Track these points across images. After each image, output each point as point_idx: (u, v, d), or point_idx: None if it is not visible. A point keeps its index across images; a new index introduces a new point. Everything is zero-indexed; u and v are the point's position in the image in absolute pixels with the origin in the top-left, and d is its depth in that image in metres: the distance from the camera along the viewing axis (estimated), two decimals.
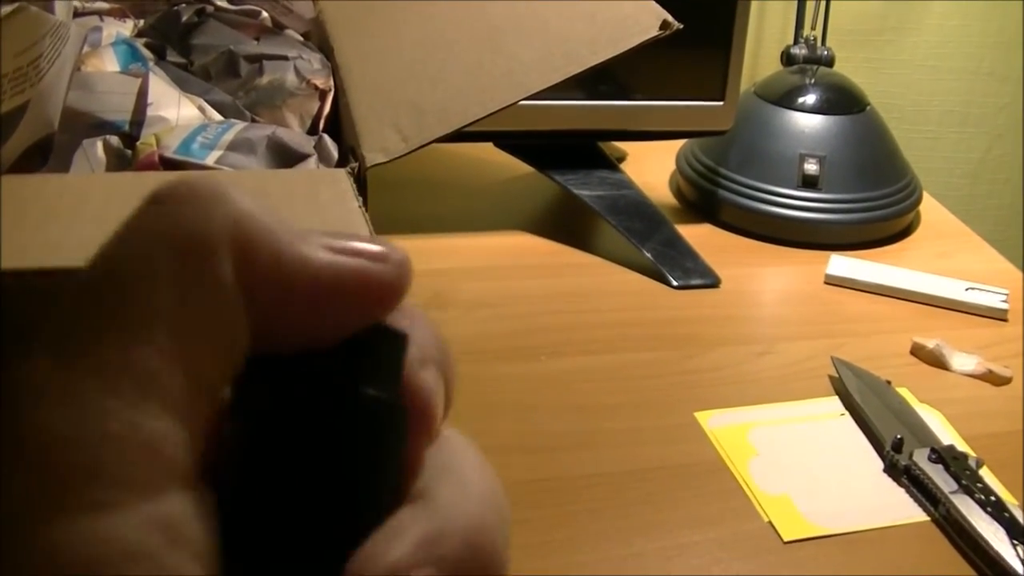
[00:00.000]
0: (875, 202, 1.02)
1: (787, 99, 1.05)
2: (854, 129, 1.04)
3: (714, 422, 0.78)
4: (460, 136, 1.00)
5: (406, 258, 0.25)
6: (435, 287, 0.93)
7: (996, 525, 0.67)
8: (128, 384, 0.21)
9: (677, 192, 1.11)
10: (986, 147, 1.46)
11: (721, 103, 1.01)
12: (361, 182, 0.55)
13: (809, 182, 1.01)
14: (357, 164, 0.57)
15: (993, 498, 0.69)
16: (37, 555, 0.20)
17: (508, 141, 1.03)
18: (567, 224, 1.04)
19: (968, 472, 0.71)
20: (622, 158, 1.16)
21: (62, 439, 0.21)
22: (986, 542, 0.66)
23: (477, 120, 0.60)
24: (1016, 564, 0.65)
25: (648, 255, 0.95)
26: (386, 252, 0.25)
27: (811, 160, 1.01)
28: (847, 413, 0.80)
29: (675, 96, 1.01)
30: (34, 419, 0.21)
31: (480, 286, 0.94)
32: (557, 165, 1.02)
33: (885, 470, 0.75)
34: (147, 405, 0.21)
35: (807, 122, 1.04)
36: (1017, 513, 0.68)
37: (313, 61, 0.71)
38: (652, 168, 1.14)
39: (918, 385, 0.83)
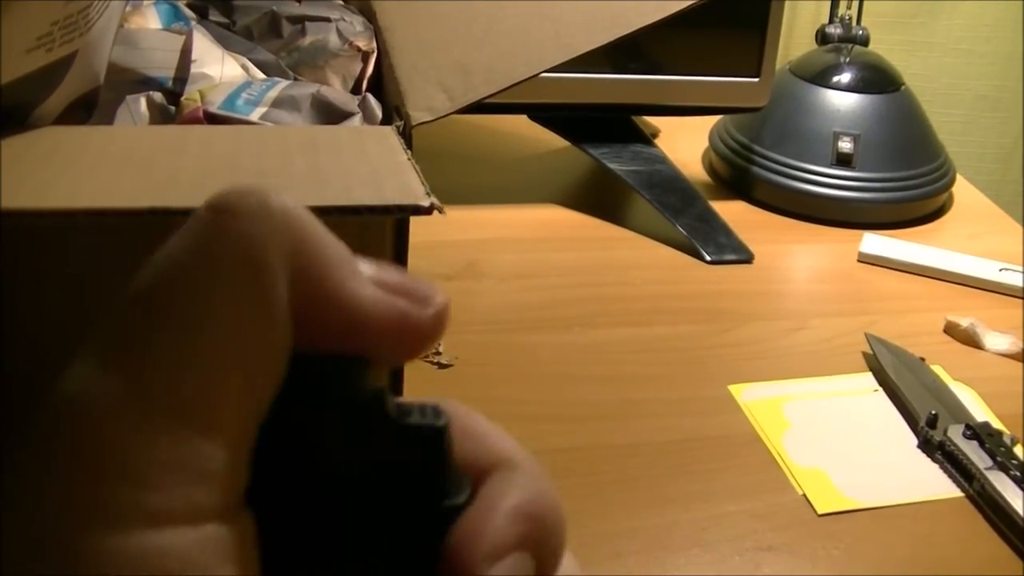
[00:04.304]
0: (909, 181, 1.02)
1: (822, 77, 1.05)
2: (889, 108, 1.04)
3: (748, 395, 0.78)
4: (496, 108, 1.01)
5: (447, 305, 0.26)
6: (470, 257, 0.92)
7: None
8: (184, 405, 0.22)
9: (710, 169, 1.11)
10: (1019, 132, 1.45)
11: (757, 79, 1.01)
12: (407, 140, 0.55)
13: (843, 160, 1.01)
14: (402, 122, 0.57)
15: None
16: (94, 562, 0.21)
17: (543, 114, 1.03)
18: (601, 198, 1.04)
19: (1003, 449, 0.71)
20: (655, 134, 1.16)
21: (120, 457, 0.21)
22: (1020, 517, 0.66)
23: (524, 80, 0.59)
24: None
25: (682, 230, 0.95)
26: (430, 296, 0.26)
27: (845, 138, 1.01)
28: (880, 389, 0.80)
29: (711, 72, 1.01)
30: (92, 432, 0.21)
31: (514, 257, 0.94)
32: (591, 139, 1.02)
33: (919, 446, 0.75)
34: (203, 428, 0.22)
35: (842, 100, 1.03)
36: None
37: (355, 23, 0.71)
38: (685, 145, 1.13)
39: (952, 363, 0.83)
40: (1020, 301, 0.93)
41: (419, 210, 0.45)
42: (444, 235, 0.96)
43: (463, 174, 1.08)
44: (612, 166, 1.00)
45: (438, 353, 0.77)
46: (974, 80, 1.42)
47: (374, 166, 0.49)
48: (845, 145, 1.00)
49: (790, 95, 1.05)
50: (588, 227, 0.99)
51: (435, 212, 0.45)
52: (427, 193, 0.46)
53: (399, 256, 0.52)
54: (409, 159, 0.50)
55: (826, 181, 1.01)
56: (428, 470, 0.24)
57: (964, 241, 1.01)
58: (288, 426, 0.23)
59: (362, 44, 0.70)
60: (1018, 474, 0.69)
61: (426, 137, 1.11)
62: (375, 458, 0.24)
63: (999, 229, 1.06)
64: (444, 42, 0.64)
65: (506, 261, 0.92)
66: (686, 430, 0.74)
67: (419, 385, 0.74)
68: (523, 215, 1.00)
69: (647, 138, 1.04)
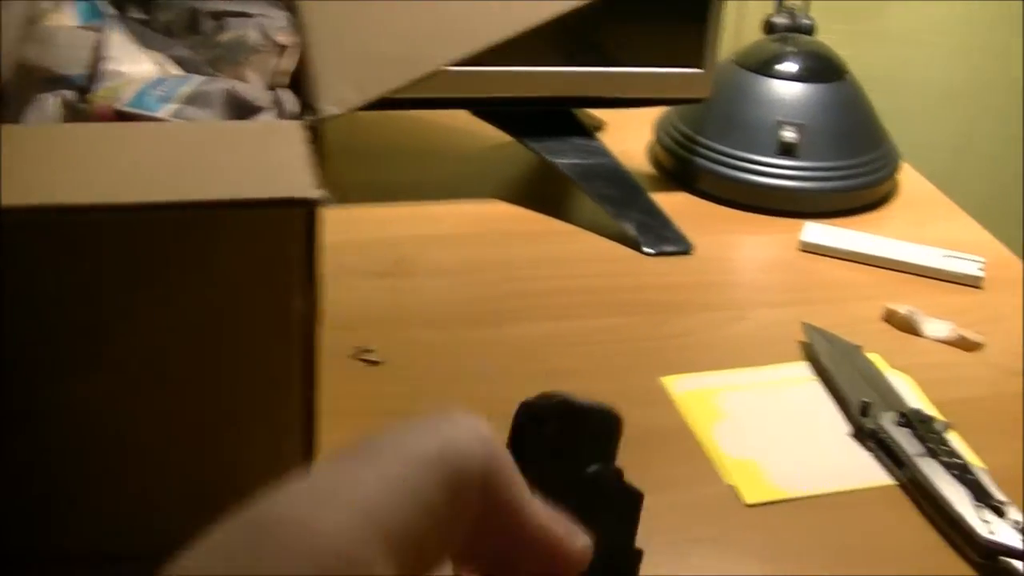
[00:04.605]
0: (853, 170, 1.01)
1: (766, 67, 1.04)
2: (832, 97, 1.04)
3: (681, 386, 0.77)
4: (438, 102, 1.00)
5: (588, 547, 0.32)
6: (400, 253, 0.92)
7: (960, 488, 0.67)
8: None
9: (655, 161, 1.10)
10: (971, 122, 1.45)
11: (700, 70, 1.00)
12: (317, 135, 0.55)
13: (787, 150, 1.00)
14: (313, 117, 0.56)
15: (958, 461, 0.69)
16: None
17: (484, 108, 1.02)
18: (542, 192, 1.03)
19: (934, 436, 0.71)
20: (600, 127, 1.16)
21: None
22: (949, 505, 0.66)
23: (435, 71, 0.59)
24: (979, 526, 0.64)
25: (621, 222, 0.95)
26: (578, 534, 0.32)
27: (789, 127, 1.00)
28: (816, 378, 0.80)
29: (653, 63, 1.00)
30: None
31: (449, 253, 0.93)
32: (533, 133, 1.02)
33: (852, 434, 0.74)
34: None
35: (786, 90, 1.03)
36: (982, 476, 0.68)
37: (277, 18, 0.71)
38: (631, 137, 1.13)
39: (890, 351, 0.83)
40: (963, 288, 0.92)
41: (305, 203, 0.45)
42: (379, 232, 0.95)
43: (401, 170, 1.08)
44: (553, 160, 0.99)
45: (369, 351, 0.77)
46: (925, 69, 1.41)
47: (272, 161, 0.49)
48: (788, 134, 1.00)
49: (734, 85, 1.05)
50: (528, 221, 0.99)
51: (322, 206, 0.45)
52: (316, 187, 0.45)
53: (309, 252, 0.52)
54: (310, 154, 0.49)
55: (769, 171, 1.00)
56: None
57: (909, 229, 1.01)
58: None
59: (282, 39, 0.69)
60: (948, 460, 0.69)
61: (364, 132, 1.11)
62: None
63: (945, 217, 1.06)
64: (359, 35, 0.63)
65: (440, 257, 0.92)
66: None
67: (349, 384, 0.73)
68: (462, 210, 1.00)
69: (588, 131, 1.03)
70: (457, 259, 0.92)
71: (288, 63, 0.69)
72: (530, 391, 0.74)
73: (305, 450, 0.55)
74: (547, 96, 1.00)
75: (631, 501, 0.37)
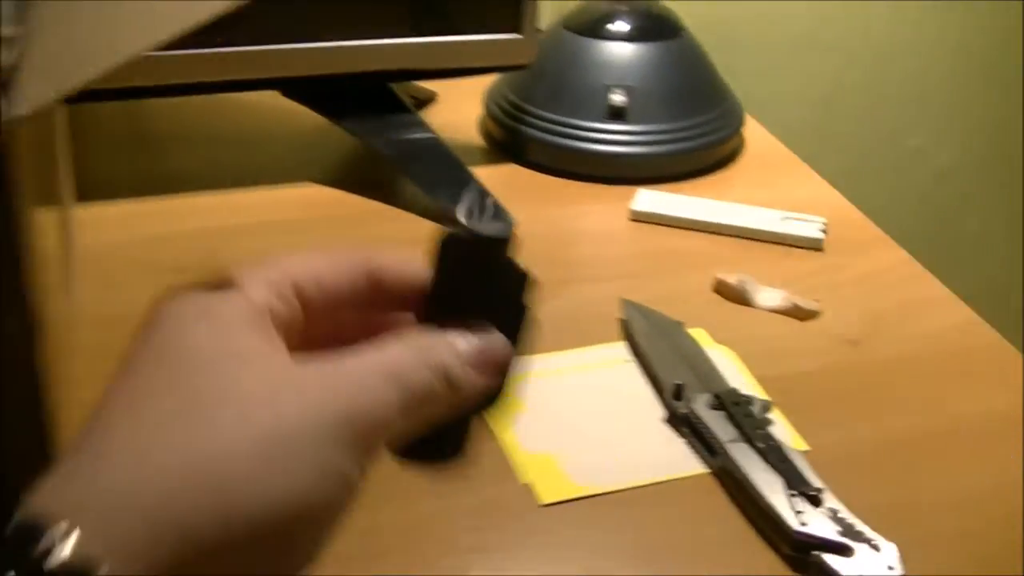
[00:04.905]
0: (688, 132, 0.95)
1: (595, 29, 0.98)
2: (666, 57, 0.97)
3: None
4: (243, 85, 0.93)
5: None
6: (207, 247, 0.85)
7: (774, 476, 0.61)
8: None
9: (485, 133, 1.03)
10: (837, 74, 1.39)
11: (519, 36, 0.93)
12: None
13: (616, 114, 0.94)
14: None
15: (774, 445, 0.63)
16: None
17: (295, 88, 0.95)
18: (362, 173, 0.96)
19: (749, 418, 0.65)
20: (431, 99, 1.09)
21: None
22: (760, 495, 0.60)
23: (140, 54, 0.51)
24: (790, 517, 0.58)
25: (441, 202, 0.88)
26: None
27: (617, 91, 0.94)
28: (633, 359, 0.74)
29: (470, 31, 0.93)
30: None
31: (261, 242, 0.86)
32: (348, 112, 0.94)
33: (666, 420, 0.68)
34: None
35: (616, 51, 0.97)
36: (799, 461, 0.62)
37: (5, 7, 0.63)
38: (463, 108, 1.06)
39: (717, 324, 0.77)
40: (804, 252, 0.87)
41: None
42: (184, 224, 0.88)
43: (207, 156, 1.00)
44: (368, 140, 0.92)
45: None
46: (786, 21, 1.35)
47: None
48: (617, 98, 0.94)
49: (561, 50, 0.98)
50: (346, 205, 0.92)
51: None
52: None
53: None
54: None
55: (598, 137, 0.94)
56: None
57: (753, 191, 0.95)
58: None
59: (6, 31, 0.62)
60: (763, 445, 0.63)
61: (165, 118, 1.03)
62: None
63: (791, 176, 1.00)
64: (61, 26, 0.56)
65: (248, 248, 0.85)
66: None
67: None
68: (275, 197, 0.92)
69: (407, 106, 0.96)
70: (268, 250, 0.84)
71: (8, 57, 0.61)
72: None
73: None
74: (359, 72, 0.93)
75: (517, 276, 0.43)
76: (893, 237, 0.89)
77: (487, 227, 0.41)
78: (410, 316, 0.42)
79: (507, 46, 0.94)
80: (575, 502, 0.62)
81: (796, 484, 0.60)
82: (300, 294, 0.40)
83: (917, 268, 0.86)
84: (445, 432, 0.41)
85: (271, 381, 0.35)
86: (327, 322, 0.41)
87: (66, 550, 0.31)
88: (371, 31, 0.91)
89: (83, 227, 0.81)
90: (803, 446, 0.66)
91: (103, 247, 0.83)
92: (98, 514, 0.32)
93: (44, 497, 0.33)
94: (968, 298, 0.81)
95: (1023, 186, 1.52)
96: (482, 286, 0.42)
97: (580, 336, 0.76)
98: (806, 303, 0.78)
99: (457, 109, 1.06)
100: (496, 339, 0.41)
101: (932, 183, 1.50)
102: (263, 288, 0.39)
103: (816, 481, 0.61)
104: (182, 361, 0.35)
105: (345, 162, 0.99)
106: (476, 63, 0.95)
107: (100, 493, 0.32)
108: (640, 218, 0.89)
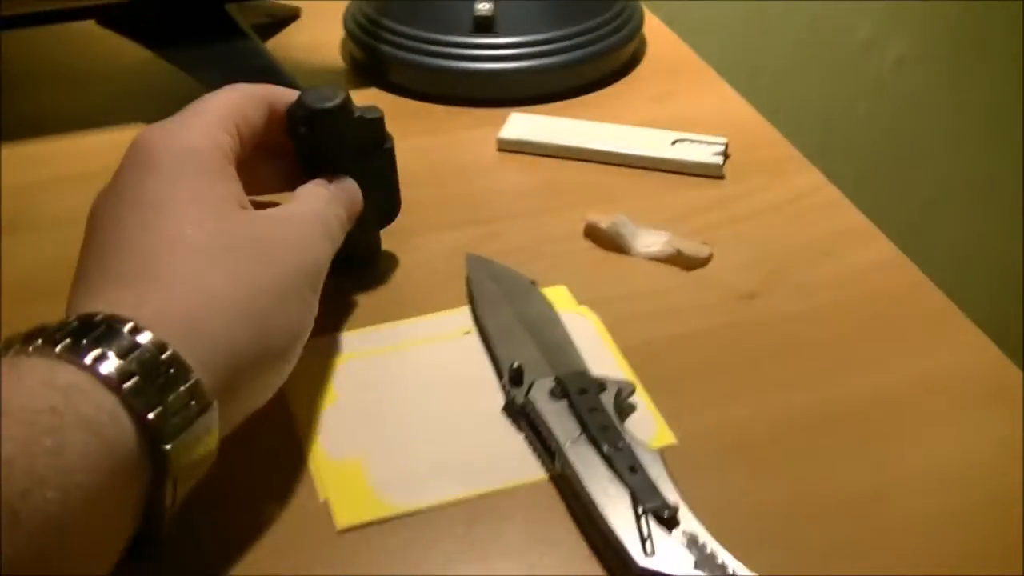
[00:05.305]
0: (568, 41, 0.81)
1: None
2: None
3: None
4: (53, 16, 0.78)
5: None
6: (13, 207, 0.71)
7: (620, 487, 0.49)
8: None
9: (347, 54, 0.89)
10: None
11: None
12: None
13: (483, 26, 0.80)
14: None
15: (622, 445, 0.50)
16: None
17: (113, 15, 0.80)
18: None
19: (596, 412, 0.52)
20: (294, 16, 0.95)
21: None
22: (599, 513, 0.48)
23: None
24: (634, 544, 0.46)
25: None
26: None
27: None
28: (474, 330, 0.61)
29: None
30: None
31: (78, 198, 0.72)
32: (176, 41, 0.80)
33: (503, 409, 0.56)
34: None
35: None
36: (654, 467, 0.49)
37: None
38: (326, 27, 0.92)
39: (583, 279, 0.64)
40: (701, 181, 0.73)
41: None
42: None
43: (14, 100, 0.86)
44: (193, 71, 0.78)
45: None
46: None
47: None
48: (483, 7, 0.80)
49: None
50: None
51: None
52: None
53: None
54: None
55: (464, 53, 0.80)
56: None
57: (647, 106, 0.82)
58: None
59: None
60: (610, 448, 0.50)
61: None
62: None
63: (696, 86, 0.86)
64: None
65: (64, 205, 0.71)
66: None
67: None
68: (97, 142, 0.79)
69: (242, 30, 0.82)
70: (82, 205, 0.71)
71: None
72: None
73: None
74: None
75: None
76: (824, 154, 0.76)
77: (324, 102, 0.54)
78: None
79: None
80: (378, 525, 0.50)
81: (646, 499, 0.48)
82: (238, 129, 0.51)
83: (833, 194, 0.72)
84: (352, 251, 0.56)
85: (270, 234, 0.47)
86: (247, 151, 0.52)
87: (145, 340, 0.39)
88: None
89: None
90: (669, 439, 0.54)
91: None
92: (169, 324, 0.40)
93: (101, 305, 0.41)
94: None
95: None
96: (339, 146, 0.56)
97: (424, 300, 0.63)
98: (692, 247, 0.65)
99: (318, 28, 0.92)
100: (348, 183, 0.56)
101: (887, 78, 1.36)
102: (223, 130, 0.50)
103: (672, 495, 0.48)
104: (202, 204, 0.46)
105: (176, 99, 0.84)
106: None
107: (168, 312, 0.41)
108: (508, 147, 0.76)
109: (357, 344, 0.60)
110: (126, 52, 0.81)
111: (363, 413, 0.55)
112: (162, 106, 0.73)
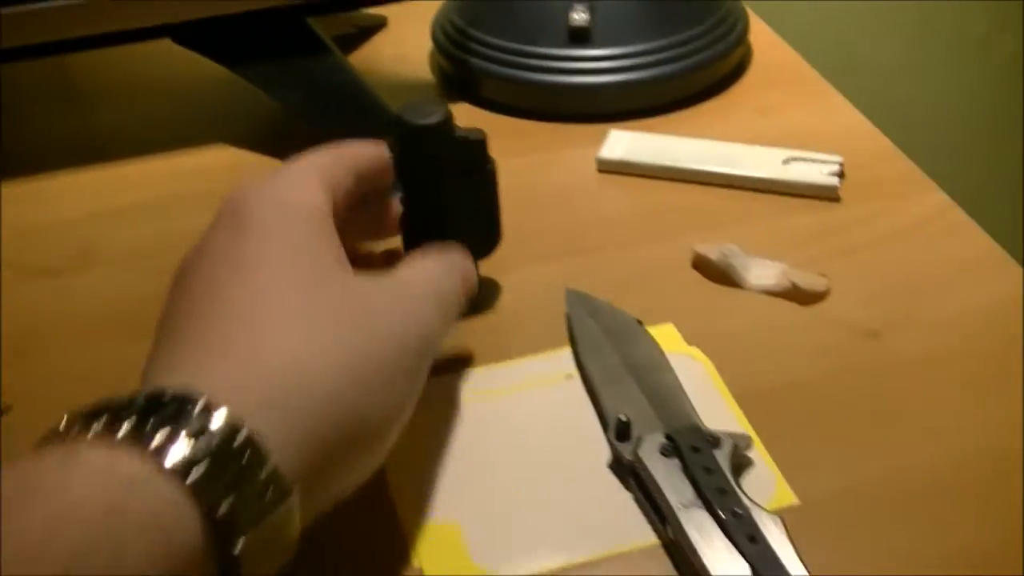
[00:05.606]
0: (668, 52, 0.77)
1: None
2: None
3: None
4: (127, 36, 0.75)
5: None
6: (81, 241, 0.69)
7: (737, 559, 0.44)
8: None
9: (436, 66, 0.86)
10: None
11: None
12: None
13: (578, 36, 0.76)
14: None
15: (740, 512, 0.46)
16: None
17: (188, 33, 0.77)
18: (275, 129, 0.79)
19: (710, 473, 0.48)
20: (380, 25, 0.91)
21: None
22: None
23: None
24: None
25: None
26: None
27: (579, 8, 0.75)
28: (576, 374, 0.57)
29: None
30: None
31: (149, 228, 0.70)
32: (254, 57, 0.76)
33: (610, 465, 0.51)
34: None
35: None
36: (776, 535, 0.45)
37: None
38: (414, 37, 0.88)
39: (692, 315, 0.60)
40: (815, 204, 0.69)
41: None
42: (57, 212, 0.72)
43: (83, 123, 0.83)
44: (270, 92, 0.75)
45: None
46: None
47: None
48: (578, 16, 0.75)
49: None
50: (261, 168, 0.75)
51: None
52: None
53: None
54: None
55: (559, 66, 0.76)
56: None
57: (752, 120, 0.77)
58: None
59: None
60: (728, 514, 0.46)
61: (29, 72, 0.86)
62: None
63: (805, 96, 0.81)
64: None
65: (135, 236, 0.69)
66: None
67: None
68: (171, 166, 0.76)
69: (326, 44, 0.78)
70: (160, 235, 0.68)
71: None
72: None
73: None
74: (261, 9, 0.75)
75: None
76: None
77: (423, 118, 0.52)
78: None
79: None
80: None
81: (767, 573, 0.43)
82: (332, 189, 0.47)
83: (960, 217, 0.67)
84: None
85: (375, 300, 0.43)
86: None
87: (218, 422, 0.35)
88: None
89: None
90: (789, 499, 0.49)
91: None
92: (247, 400, 0.37)
93: (177, 377, 0.37)
94: None
95: None
96: (438, 167, 0.53)
97: (521, 339, 0.59)
98: (808, 280, 0.61)
99: (406, 38, 0.89)
100: (463, 254, 0.52)
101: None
102: (320, 188, 0.46)
103: (796, 567, 0.44)
104: (301, 264, 0.42)
105: (255, 117, 0.81)
106: None
107: (248, 386, 0.37)
108: (608, 167, 0.72)
109: (451, 389, 0.56)
110: (204, 70, 0.78)
111: (460, 470, 0.51)
112: (242, 121, 0.69)
